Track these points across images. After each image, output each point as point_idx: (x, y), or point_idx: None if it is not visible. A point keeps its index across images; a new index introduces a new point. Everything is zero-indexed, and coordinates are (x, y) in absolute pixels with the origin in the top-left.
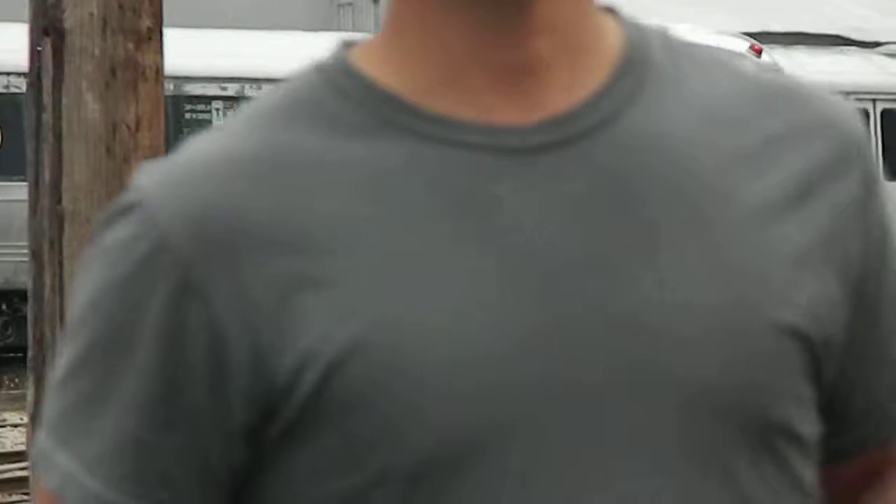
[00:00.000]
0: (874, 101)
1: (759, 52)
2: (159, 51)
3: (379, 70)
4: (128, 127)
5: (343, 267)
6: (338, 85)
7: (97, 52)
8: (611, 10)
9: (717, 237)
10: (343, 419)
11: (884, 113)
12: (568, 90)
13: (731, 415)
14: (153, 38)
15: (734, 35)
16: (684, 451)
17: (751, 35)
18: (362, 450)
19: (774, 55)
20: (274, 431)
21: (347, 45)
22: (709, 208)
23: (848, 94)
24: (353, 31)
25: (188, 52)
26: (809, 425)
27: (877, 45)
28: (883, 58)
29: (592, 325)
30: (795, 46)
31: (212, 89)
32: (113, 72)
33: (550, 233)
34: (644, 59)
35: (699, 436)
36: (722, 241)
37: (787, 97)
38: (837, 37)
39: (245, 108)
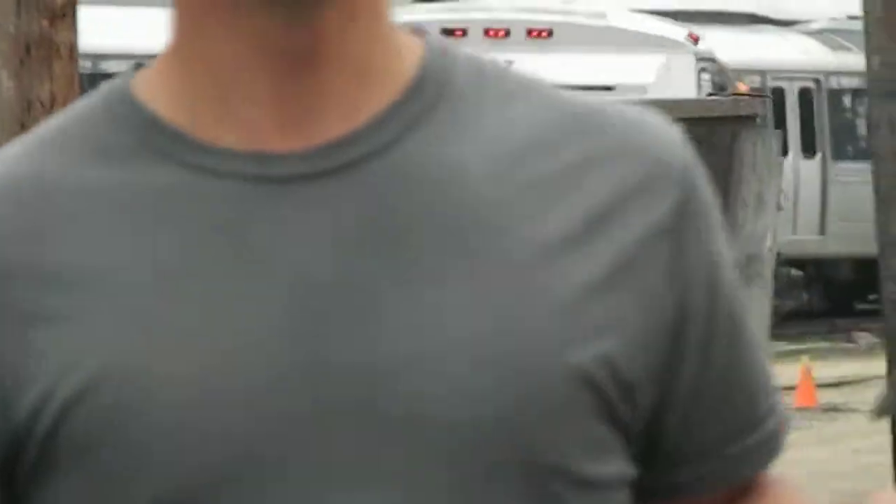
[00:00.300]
0: (791, 79)
1: (696, 40)
2: (74, 28)
3: (157, 95)
4: (42, 104)
5: (84, 303)
6: (114, 111)
7: (11, 29)
8: (419, 34)
9: (495, 273)
10: (77, 461)
11: (801, 91)
12: (350, 116)
13: (498, 459)
14: (68, 15)
15: (673, 22)
16: (441, 496)
17: (667, 14)
18: (96, 491)
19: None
20: (21, 473)
21: (137, 66)
22: (489, 242)
23: (765, 72)
24: None
25: (104, 29)
26: (606, 467)
27: (793, 23)
28: (799, 36)
29: (341, 365)
30: (712, 25)
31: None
32: (27, 49)
33: (305, 266)
34: (441, 84)
35: (460, 481)
36: (499, 277)
37: (597, 123)
38: (754, 15)
39: (34, 130)
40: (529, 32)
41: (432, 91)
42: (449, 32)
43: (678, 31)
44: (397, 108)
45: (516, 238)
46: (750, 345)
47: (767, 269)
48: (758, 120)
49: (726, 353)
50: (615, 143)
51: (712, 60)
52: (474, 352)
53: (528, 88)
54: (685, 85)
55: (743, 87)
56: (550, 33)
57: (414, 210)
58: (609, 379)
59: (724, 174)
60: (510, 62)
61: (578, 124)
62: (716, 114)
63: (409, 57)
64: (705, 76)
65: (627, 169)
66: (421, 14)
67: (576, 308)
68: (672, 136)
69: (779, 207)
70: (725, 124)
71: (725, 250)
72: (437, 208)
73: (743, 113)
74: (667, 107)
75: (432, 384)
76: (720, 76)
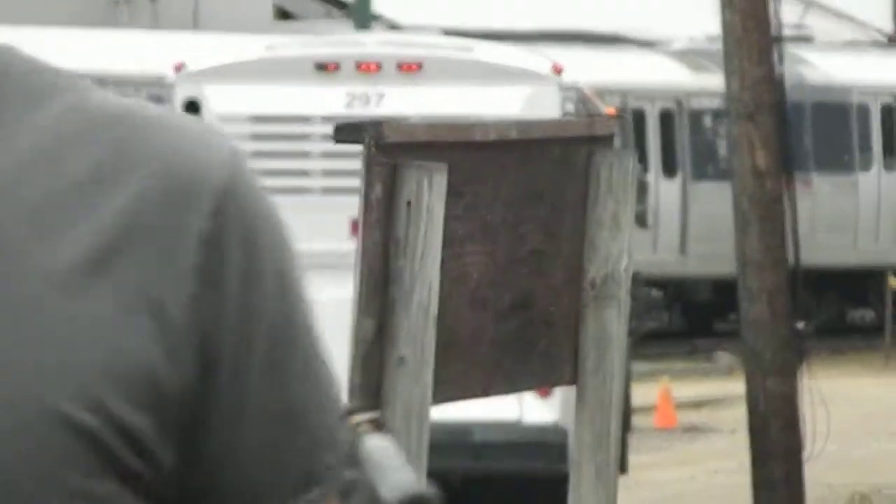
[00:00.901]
0: (652, 100)
1: (559, 71)
2: None
3: None
4: None
5: None
6: None
7: None
8: None
9: None
10: None
11: (662, 112)
12: None
13: None
14: None
15: (537, 53)
16: None
17: (528, 35)
18: None
19: (552, 54)
20: None
21: None
22: None
23: (626, 93)
24: (129, 27)
25: None
26: None
27: (654, 44)
28: (660, 57)
29: None
30: (573, 45)
31: None
32: None
33: None
34: None
35: None
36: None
37: (123, 134)
38: (615, 36)
39: None
40: (400, 66)
41: None
42: (322, 67)
43: (542, 63)
44: None
45: (19, 267)
46: (309, 397)
47: (623, 290)
48: (614, 140)
49: (271, 406)
50: (139, 158)
51: (577, 90)
52: None
53: (58, 88)
54: (550, 115)
55: (611, 112)
56: (420, 66)
57: None
58: (108, 428)
59: (580, 194)
60: (382, 95)
61: (99, 133)
62: (571, 134)
63: None
64: (569, 106)
65: (147, 191)
66: (294, 49)
67: (72, 348)
68: (212, 156)
69: (645, 224)
70: (581, 144)
71: (288, 283)
72: None
73: (598, 133)
74: (522, 127)
75: None
76: (585, 104)
